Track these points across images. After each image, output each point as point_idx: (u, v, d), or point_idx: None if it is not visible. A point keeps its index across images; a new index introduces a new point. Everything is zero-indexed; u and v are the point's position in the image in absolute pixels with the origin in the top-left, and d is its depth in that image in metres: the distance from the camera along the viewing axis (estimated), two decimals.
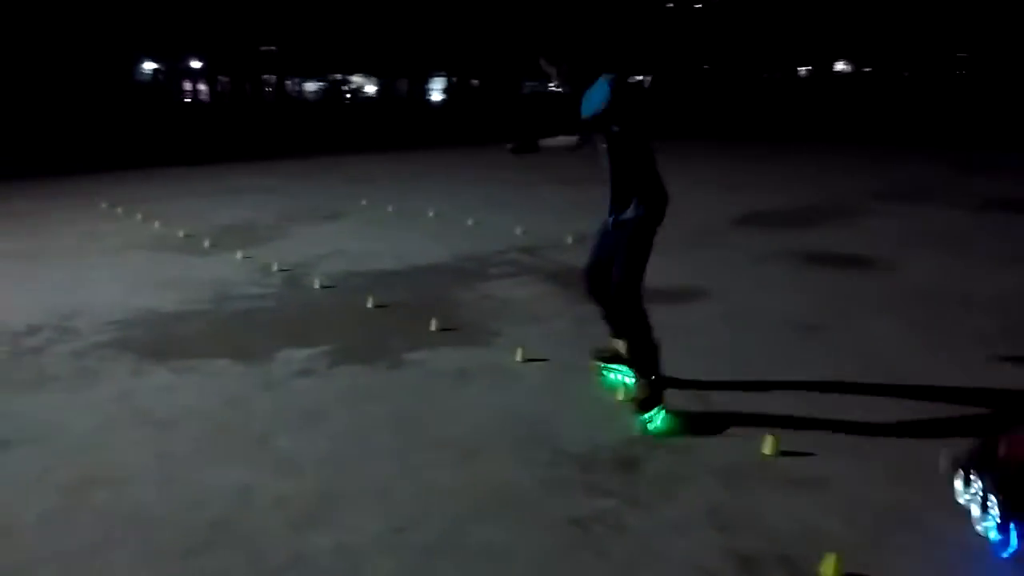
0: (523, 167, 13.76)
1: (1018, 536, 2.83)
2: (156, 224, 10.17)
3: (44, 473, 3.75)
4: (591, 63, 4.12)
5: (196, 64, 59.69)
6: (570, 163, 14.90)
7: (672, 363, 4.51)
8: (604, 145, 4.12)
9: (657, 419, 4.09)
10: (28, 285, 7.35)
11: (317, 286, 7.02)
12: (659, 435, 4.04)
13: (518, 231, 9.27)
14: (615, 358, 4.58)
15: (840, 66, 62.48)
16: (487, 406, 4.43)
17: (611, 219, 4.26)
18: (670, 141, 20.92)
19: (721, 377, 4.78)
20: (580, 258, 7.69)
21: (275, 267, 7.70)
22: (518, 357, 5.07)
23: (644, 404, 4.12)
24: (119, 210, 11.42)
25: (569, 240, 8.62)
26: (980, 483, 2.97)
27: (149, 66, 60.99)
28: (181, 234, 9.54)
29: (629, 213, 4.15)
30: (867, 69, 58.76)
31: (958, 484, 3.14)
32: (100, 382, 4.91)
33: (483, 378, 4.85)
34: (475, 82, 58.80)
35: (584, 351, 4.96)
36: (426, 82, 59.69)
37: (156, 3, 52.36)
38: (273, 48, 60.83)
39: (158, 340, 5.70)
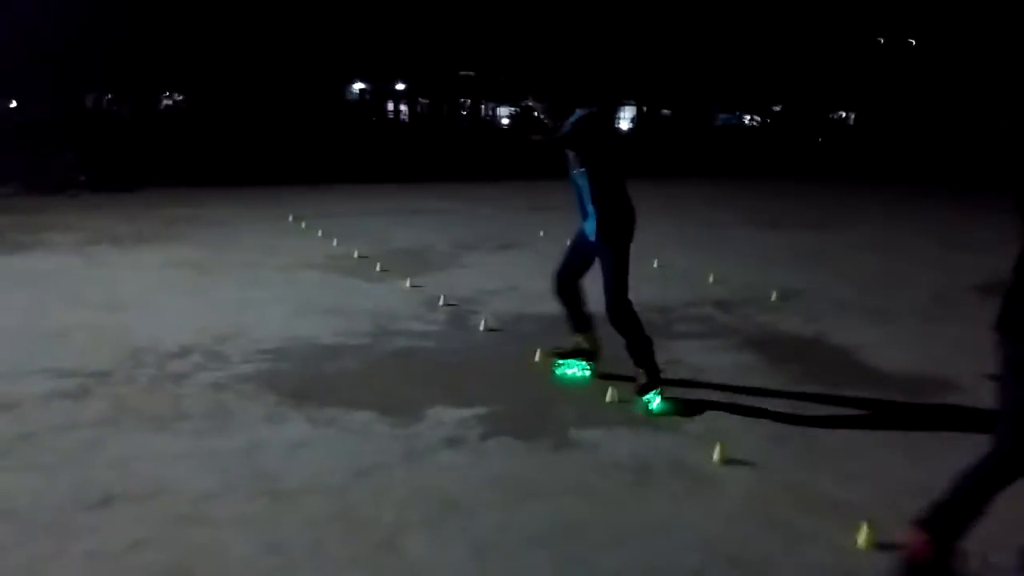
0: (712, 205, 12.54)
1: None
2: (334, 242, 9.84)
3: (132, 548, 3.10)
4: (569, 100, 4.57)
5: (400, 86, 62.11)
6: (765, 205, 13.36)
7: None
8: (574, 163, 4.62)
9: (654, 401, 4.66)
10: (195, 299, 7.06)
11: (482, 328, 6.22)
12: (658, 414, 4.59)
13: (710, 279, 8.10)
14: (574, 353, 5.17)
15: None
16: (674, 526, 3.37)
17: (582, 228, 4.83)
18: (873, 184, 18.95)
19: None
20: (788, 322, 6.63)
21: (441, 300, 6.99)
22: (716, 456, 3.97)
23: (644, 388, 4.70)
24: (303, 224, 11.27)
25: (773, 296, 7.36)
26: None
27: (358, 87, 64.13)
28: (355, 254, 9.11)
29: (595, 228, 4.66)
30: None
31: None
32: (231, 427, 4.30)
33: (670, 480, 3.80)
34: (666, 112, 57.34)
35: (805, 459, 3.80)
36: (616, 111, 58.94)
37: (369, 27, 54.96)
38: (471, 73, 62.25)
39: (304, 378, 5.07)
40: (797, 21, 51.06)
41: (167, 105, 58.55)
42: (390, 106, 63.39)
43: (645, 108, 57.00)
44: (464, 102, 60.64)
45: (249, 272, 8.26)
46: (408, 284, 7.64)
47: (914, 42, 57.56)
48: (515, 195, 15.45)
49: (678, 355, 5.66)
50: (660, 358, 4.88)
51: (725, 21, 50.16)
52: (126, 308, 6.74)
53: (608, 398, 4.74)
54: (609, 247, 4.65)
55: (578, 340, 5.14)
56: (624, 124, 59.76)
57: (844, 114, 58.10)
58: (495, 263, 8.98)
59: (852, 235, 11.33)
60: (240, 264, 8.63)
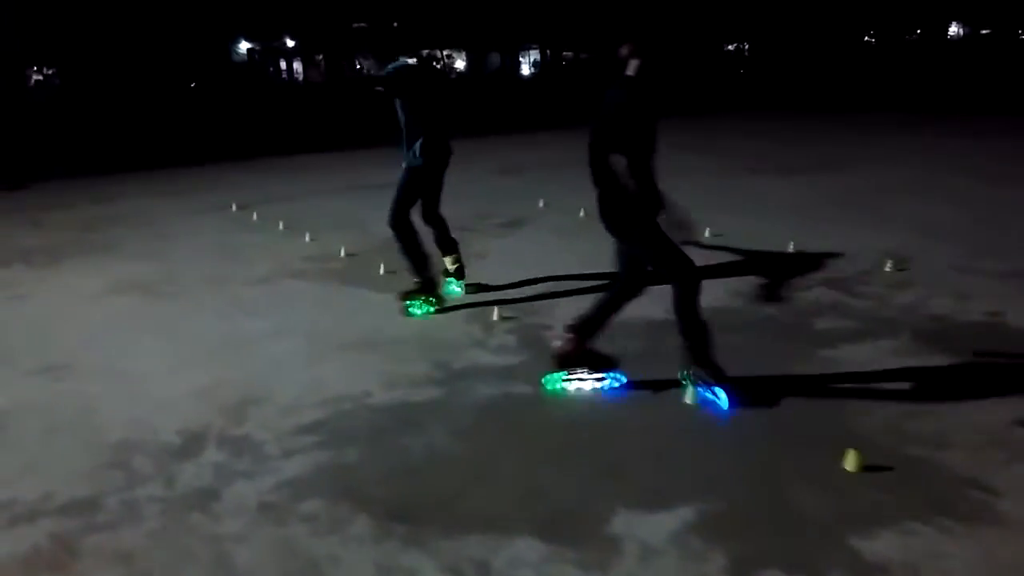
0: (693, 151, 11.09)
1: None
2: (306, 236, 7.96)
3: None
4: (386, 55, 5.43)
5: (290, 43, 58.06)
6: (750, 148, 11.99)
7: None
8: (397, 103, 5.38)
9: (417, 308, 5.52)
10: (168, 343, 5.18)
11: None
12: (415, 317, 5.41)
13: (791, 248, 6.71)
14: (419, 291, 5.57)
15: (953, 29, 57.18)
16: None
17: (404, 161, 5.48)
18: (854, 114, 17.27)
19: None
20: (938, 302, 5.01)
21: (495, 314, 5.33)
22: None
23: (408, 295, 5.56)
24: (254, 215, 9.27)
25: (887, 267, 6.01)
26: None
27: (243, 46, 59.70)
28: (341, 252, 7.29)
29: (410, 160, 5.42)
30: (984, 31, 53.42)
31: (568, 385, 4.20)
32: None
33: None
34: (567, 55, 55.62)
35: None
36: (517, 57, 56.82)
37: None
38: (364, 25, 58.86)
39: (391, 477, 3.40)
40: None
41: (37, 80, 52.99)
42: (282, 65, 59.28)
43: (548, 52, 55.08)
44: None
45: (221, 291, 6.37)
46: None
47: None
48: (475, 156, 13.64)
49: (842, 363, 4.23)
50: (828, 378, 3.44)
51: None
52: (75, 369, 4.82)
53: (849, 465, 3.27)
54: (409, 168, 5.45)
55: (445, 262, 5.89)
56: (525, 69, 57.79)
57: (735, 47, 57.79)
58: (513, 248, 7.33)
59: (872, 177, 10.11)
60: (204, 280, 6.70)
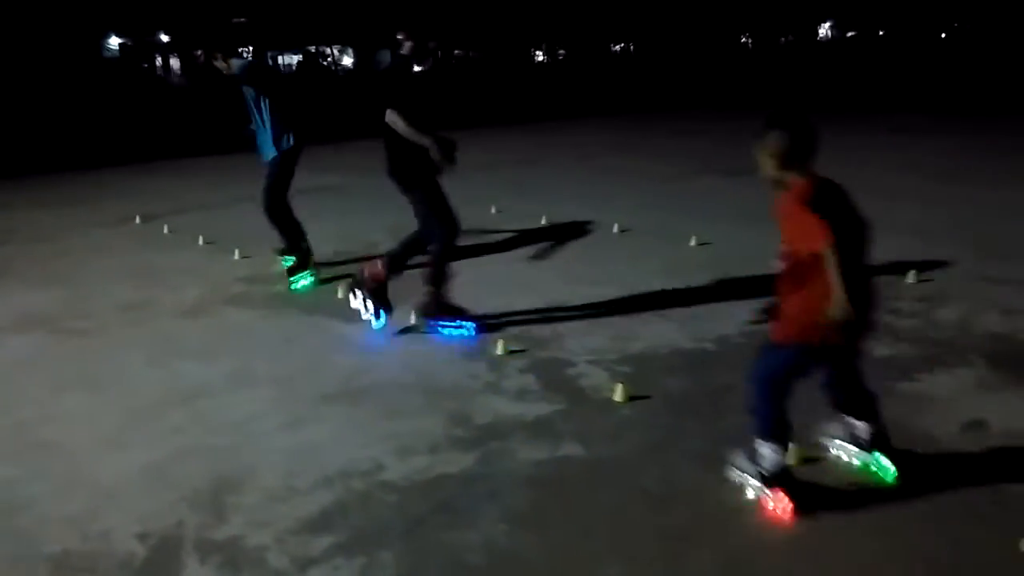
0: (636, 153, 10.51)
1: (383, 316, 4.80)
2: (235, 253, 6.83)
3: None
4: (230, 53, 5.79)
5: (165, 38, 54.54)
6: (690, 147, 11.52)
7: None
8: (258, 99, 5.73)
9: (300, 282, 5.89)
10: (94, 402, 4.08)
11: (619, 397, 3.83)
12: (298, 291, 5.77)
13: None
14: (300, 267, 5.95)
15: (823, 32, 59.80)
16: None
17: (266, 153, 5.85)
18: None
19: None
20: (984, 318, 4.52)
21: (500, 347, 4.48)
22: None
23: (292, 271, 5.90)
24: (164, 228, 8.01)
25: (910, 278, 5.49)
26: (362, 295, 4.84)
27: (114, 41, 55.68)
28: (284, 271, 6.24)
29: (284, 145, 5.79)
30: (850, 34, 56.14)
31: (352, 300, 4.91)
32: None
33: None
34: (458, 53, 54.68)
35: None
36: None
37: None
38: (243, 20, 56.04)
39: None
40: None
41: None
42: (158, 61, 55.56)
43: (439, 52, 54.02)
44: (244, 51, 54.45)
45: (145, 325, 5.23)
46: (413, 319, 5.02)
47: None
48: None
49: (935, 401, 3.65)
50: (952, 428, 2.85)
51: None
52: None
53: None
54: (282, 153, 5.79)
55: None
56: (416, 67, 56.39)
57: (621, 47, 58.56)
58: (489, 262, 6.47)
59: (841, 177, 9.75)
60: (121, 310, 5.53)
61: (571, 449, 3.39)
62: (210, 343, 4.86)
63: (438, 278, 4.73)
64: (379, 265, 4.85)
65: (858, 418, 2.98)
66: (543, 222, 7.63)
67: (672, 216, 7.68)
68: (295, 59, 55.45)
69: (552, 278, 5.84)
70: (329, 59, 55.30)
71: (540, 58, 57.51)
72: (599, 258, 6.39)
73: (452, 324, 4.74)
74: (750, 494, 2.93)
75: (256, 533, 2.89)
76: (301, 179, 6.25)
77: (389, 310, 4.87)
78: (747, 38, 58.24)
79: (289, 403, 3.97)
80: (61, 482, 3.30)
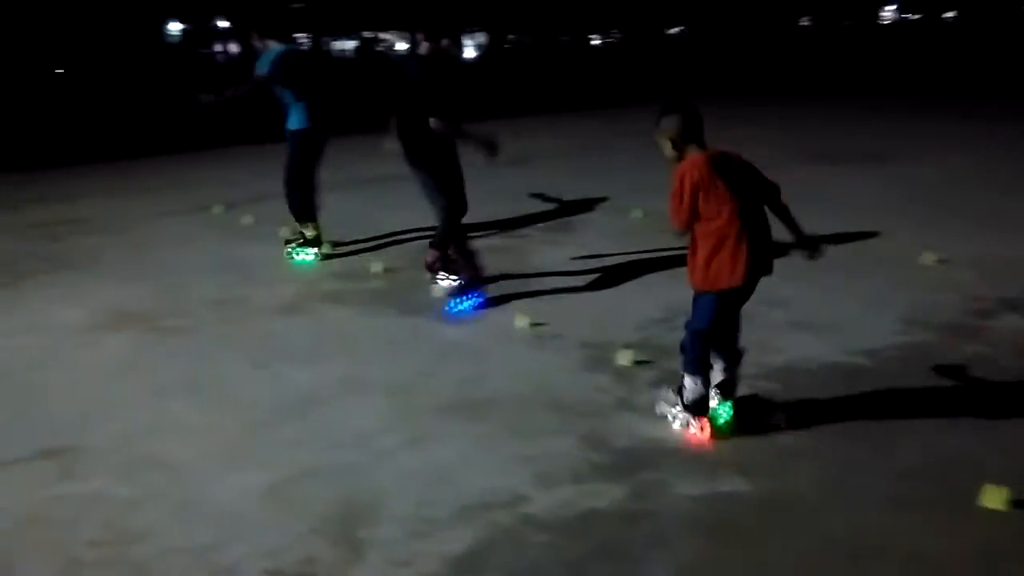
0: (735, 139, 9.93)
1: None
2: (326, 246, 6.57)
3: None
4: (267, 33, 6.11)
5: (224, 24, 54.94)
6: (800, 137, 10.91)
7: None
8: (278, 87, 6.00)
9: (301, 255, 6.24)
10: (199, 411, 3.83)
11: (777, 422, 3.44)
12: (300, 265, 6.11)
13: (931, 258, 5.63)
14: (304, 242, 6.28)
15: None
16: None
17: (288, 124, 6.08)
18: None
19: None
20: None
21: (625, 358, 4.12)
22: None
23: (305, 244, 6.25)
24: (247, 219, 7.79)
25: None
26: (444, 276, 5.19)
27: (175, 27, 56.34)
28: (380, 268, 5.96)
29: (292, 124, 6.05)
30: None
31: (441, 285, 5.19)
32: None
33: None
34: (511, 39, 54.03)
35: None
36: (459, 38, 54.95)
37: None
38: (301, 5, 56.24)
39: None
40: None
41: None
42: (218, 47, 56.02)
43: (491, 36, 53.38)
44: (297, 38, 54.68)
45: (244, 324, 4.99)
46: (526, 323, 4.68)
47: None
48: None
49: None
50: None
51: None
52: (82, 456, 3.43)
53: None
54: (304, 134, 6.05)
55: (306, 228, 6.24)
56: (469, 52, 55.97)
57: (677, 30, 57.28)
58: (585, 264, 6.08)
59: (938, 166, 9.13)
60: (216, 308, 5.30)
61: (733, 483, 3.02)
62: (313, 345, 4.59)
63: (442, 244, 5.23)
64: (433, 252, 5.31)
65: (726, 362, 3.41)
66: (639, 215, 7.23)
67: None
68: (350, 45, 55.49)
69: (667, 280, 5.43)
70: (384, 45, 55.15)
71: (596, 42, 56.58)
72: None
73: (461, 298, 5.05)
74: (676, 424, 3.37)
75: (398, 574, 2.58)
76: (372, 169, 5.94)
77: (475, 269, 5.26)
78: (807, 21, 56.52)
79: (406, 415, 3.67)
80: (178, 505, 3.04)
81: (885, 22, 57.50)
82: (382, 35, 55.31)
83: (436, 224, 5.29)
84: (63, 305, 5.48)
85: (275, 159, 7.91)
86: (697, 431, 3.31)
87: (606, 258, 6.05)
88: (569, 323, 4.70)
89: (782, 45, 40.28)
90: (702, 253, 3.20)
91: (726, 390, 3.43)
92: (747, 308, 3.39)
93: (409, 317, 4.98)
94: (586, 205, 7.82)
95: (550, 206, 7.81)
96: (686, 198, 3.15)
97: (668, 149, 3.30)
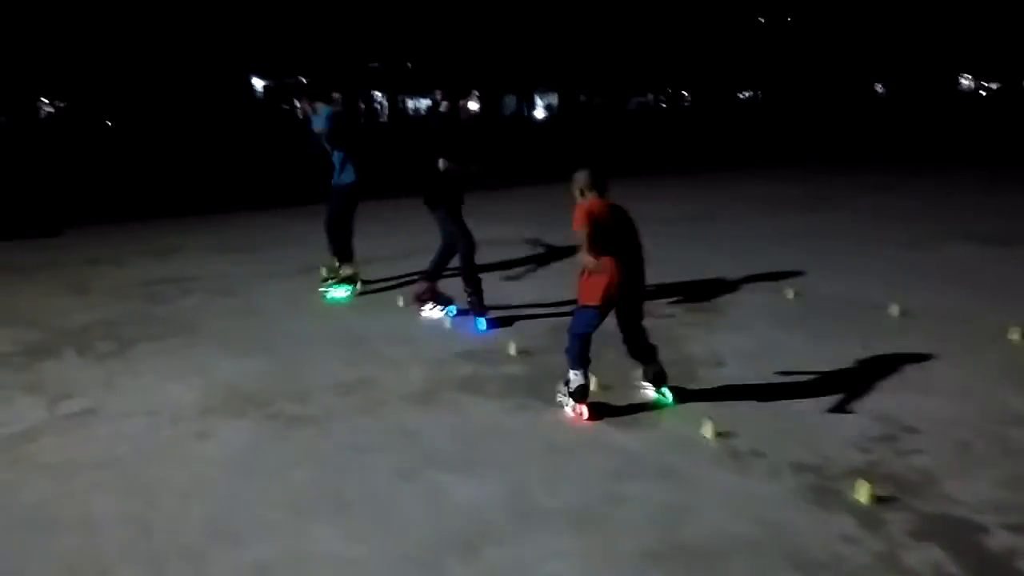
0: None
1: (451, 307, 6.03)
2: (444, 319, 5.91)
3: None
4: (318, 100, 6.94)
5: (303, 80, 56.37)
6: (947, 213, 9.92)
7: None
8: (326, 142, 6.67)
9: (335, 292, 6.73)
10: (349, 536, 3.11)
11: None
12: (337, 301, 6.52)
13: None
14: (341, 280, 6.82)
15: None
16: None
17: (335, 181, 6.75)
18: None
19: None
20: None
21: (862, 491, 3.28)
22: None
23: (342, 282, 6.75)
24: (357, 285, 7.20)
25: None
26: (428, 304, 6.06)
27: (258, 83, 57.99)
28: (511, 349, 5.23)
29: (344, 179, 6.69)
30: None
31: (426, 311, 6.04)
32: None
33: None
34: (582, 98, 54.07)
35: None
36: (532, 98, 55.27)
37: (265, 23, 49.23)
38: (377, 65, 57.46)
39: None
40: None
41: (48, 113, 50.92)
42: (297, 103, 57.42)
43: (561, 95, 53.47)
44: (374, 95, 55.57)
45: (378, 415, 4.29)
46: (712, 433, 3.88)
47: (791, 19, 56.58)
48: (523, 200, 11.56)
49: None
50: None
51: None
52: None
53: None
54: (351, 188, 6.71)
55: (345, 268, 6.86)
56: (539, 112, 56.22)
57: (749, 93, 56.71)
58: (754, 354, 5.27)
59: None
60: (344, 392, 4.63)
61: None
62: (464, 448, 3.86)
63: (472, 281, 5.90)
64: (423, 284, 6.15)
65: (644, 363, 4.30)
66: (789, 296, 6.40)
67: (957, 295, 6.31)
68: (424, 103, 56.22)
69: (866, 380, 4.57)
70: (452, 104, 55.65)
71: (663, 105, 56.29)
72: (896, 352, 5.09)
73: (480, 315, 5.83)
74: (567, 408, 4.14)
75: None
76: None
77: (451, 300, 6.10)
78: (880, 87, 55.37)
79: (607, 562, 2.89)
80: None
81: (963, 89, 55.95)
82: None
83: (434, 261, 6.11)
84: (173, 380, 4.89)
85: (366, 218, 7.45)
86: (577, 414, 4.12)
87: (778, 348, 5.22)
88: (765, 436, 3.88)
89: (861, 111, 39.26)
90: (586, 275, 4.06)
91: (658, 380, 4.30)
92: None
93: (563, 413, 4.22)
94: (721, 280, 7.03)
95: (680, 279, 7.03)
96: (585, 221, 3.94)
97: (578, 196, 4.15)
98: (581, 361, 4.11)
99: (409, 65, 55.26)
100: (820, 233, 9.23)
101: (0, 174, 17.91)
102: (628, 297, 4.10)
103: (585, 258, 3.94)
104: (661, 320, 5.87)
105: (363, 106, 55.55)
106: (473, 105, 58.90)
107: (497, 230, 9.24)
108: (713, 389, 4.52)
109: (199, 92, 48.16)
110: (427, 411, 4.33)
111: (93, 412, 4.44)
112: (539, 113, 55.95)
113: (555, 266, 7.84)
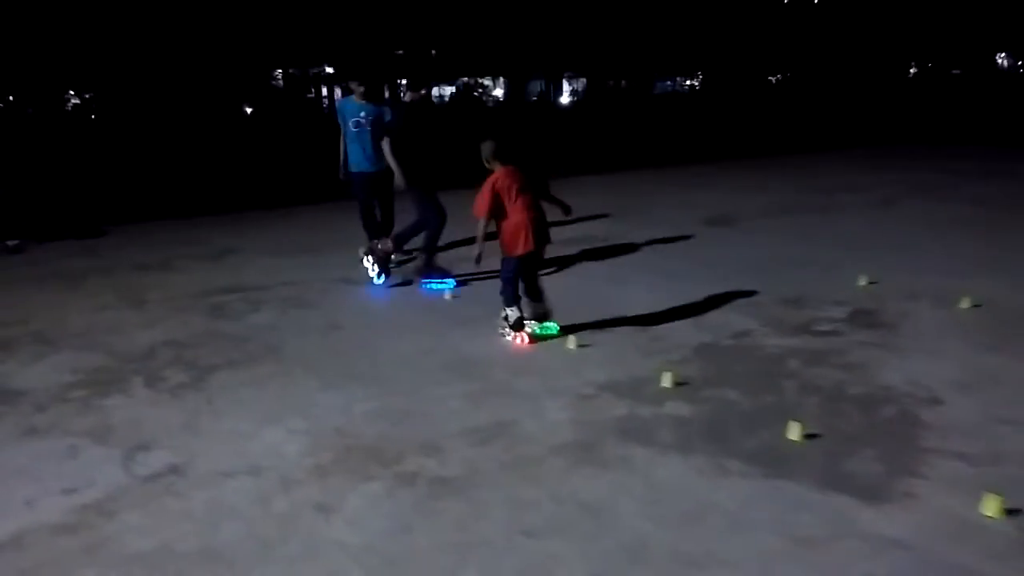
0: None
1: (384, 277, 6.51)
2: (570, 340, 4.99)
3: None
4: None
5: (329, 70, 55.39)
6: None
7: None
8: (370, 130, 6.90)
9: (375, 274, 6.61)
10: None
11: None
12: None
13: None
14: (381, 261, 6.66)
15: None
16: None
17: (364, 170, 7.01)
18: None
19: None
20: None
21: None
22: None
23: (380, 263, 6.57)
24: (446, 295, 6.28)
25: None
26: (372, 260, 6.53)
27: (279, 73, 57.08)
28: (669, 382, 4.29)
29: (383, 164, 6.72)
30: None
31: (365, 263, 6.59)
32: None
33: None
34: (610, 83, 52.71)
35: None
36: (559, 84, 54.00)
37: (289, 12, 48.28)
38: (402, 52, 56.44)
39: None
40: None
41: (75, 105, 50.26)
42: (323, 91, 56.44)
43: (584, 81, 52.17)
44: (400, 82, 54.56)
45: (532, 476, 3.39)
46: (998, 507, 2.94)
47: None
48: (642, 197, 10.58)
49: None
50: None
51: None
52: None
53: None
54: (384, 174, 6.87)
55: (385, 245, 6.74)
56: (564, 98, 54.97)
57: (777, 77, 55.16)
58: (969, 385, 4.31)
59: None
60: (480, 441, 3.72)
61: None
62: (672, 534, 2.93)
63: (430, 249, 6.45)
64: (389, 243, 6.62)
65: (533, 300, 5.16)
66: (964, 305, 5.42)
67: None
68: (448, 90, 55.29)
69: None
70: (480, 91, 54.65)
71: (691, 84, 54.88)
72: None
73: (438, 280, 6.35)
74: (508, 337, 5.03)
75: None
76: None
77: (388, 274, 6.57)
78: (914, 70, 53.63)
79: None
80: None
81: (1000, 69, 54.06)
82: (481, 80, 54.76)
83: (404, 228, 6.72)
84: (268, 423, 4.00)
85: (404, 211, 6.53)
86: (520, 341, 4.97)
87: (994, 376, 4.25)
88: None
89: (904, 93, 37.79)
90: (507, 232, 4.90)
91: (542, 317, 5.15)
92: None
93: (768, 471, 3.29)
94: (865, 283, 6.04)
95: (826, 285, 6.06)
96: (487, 195, 4.85)
97: (486, 163, 4.97)
98: (514, 299, 5.01)
99: (433, 52, 54.19)
100: (934, 225, 8.19)
101: (34, 169, 17.13)
102: (536, 246, 4.94)
103: (478, 242, 4.96)
104: (827, 338, 4.91)
105: (387, 93, 54.75)
106: (565, 97, 56.88)
107: (573, 229, 8.32)
108: (948, 435, 3.57)
109: (222, 82, 47.39)
110: (596, 473, 3.41)
111: (180, 471, 3.55)
112: (564, 98, 54.71)
113: (656, 263, 6.89)
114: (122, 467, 3.63)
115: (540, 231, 4.94)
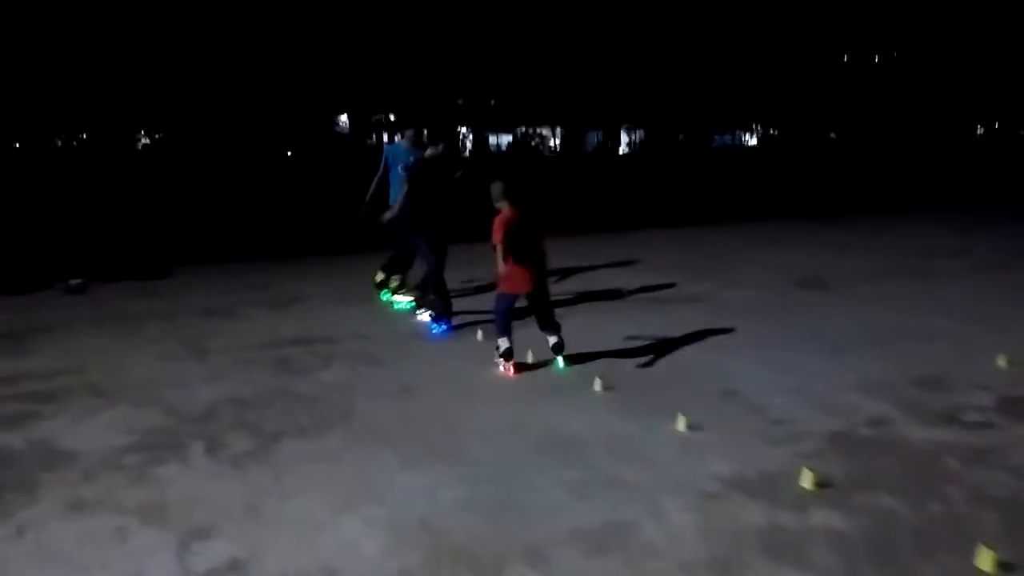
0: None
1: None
2: (679, 421, 4.35)
3: None
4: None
5: (392, 117, 56.23)
6: None
7: None
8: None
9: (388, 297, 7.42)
10: None
11: None
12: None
13: None
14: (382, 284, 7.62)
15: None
16: None
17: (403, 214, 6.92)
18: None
19: None
20: None
21: None
22: None
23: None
24: (528, 355, 5.70)
25: None
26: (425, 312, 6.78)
27: (345, 119, 58.18)
28: (810, 482, 3.62)
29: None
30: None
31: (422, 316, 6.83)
32: None
33: None
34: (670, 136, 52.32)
35: None
36: (617, 133, 53.79)
37: (355, 60, 49.25)
38: (462, 101, 57.08)
39: None
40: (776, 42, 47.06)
41: (144, 145, 51.73)
42: (384, 138, 57.31)
43: (641, 133, 51.86)
44: (460, 131, 54.89)
45: None
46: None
47: (878, 58, 53.87)
48: (725, 252, 9.93)
49: None
50: None
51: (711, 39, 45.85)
52: None
53: None
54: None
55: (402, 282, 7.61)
56: (622, 148, 54.69)
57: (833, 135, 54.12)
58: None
59: None
60: (595, 549, 3.09)
61: None
62: None
63: (438, 291, 6.50)
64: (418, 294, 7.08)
65: (549, 333, 5.37)
66: (1002, 364, 4.67)
67: None
68: (506, 139, 55.57)
69: None
70: (536, 140, 54.78)
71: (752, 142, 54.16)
72: None
73: (439, 323, 6.48)
74: (500, 367, 5.28)
75: None
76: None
77: (447, 321, 6.55)
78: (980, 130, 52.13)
79: None
80: None
81: None
82: (539, 130, 54.92)
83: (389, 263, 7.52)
84: (343, 510, 3.44)
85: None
86: (506, 371, 5.27)
87: None
88: None
89: (968, 153, 36.53)
90: (507, 270, 5.20)
91: (557, 349, 5.36)
92: None
93: None
94: (1013, 367, 5.28)
95: (960, 364, 5.32)
96: (500, 229, 5.15)
97: (495, 203, 5.28)
98: (506, 330, 5.28)
99: (492, 102, 54.63)
100: (983, 290, 7.35)
101: (101, 206, 17.25)
102: (536, 285, 5.27)
103: (500, 266, 5.16)
104: (981, 432, 4.18)
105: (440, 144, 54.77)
106: (623, 148, 56.36)
107: (651, 284, 7.71)
108: None
109: (287, 128, 48.36)
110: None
111: (242, 568, 3.01)
112: (622, 149, 54.47)
113: (754, 329, 6.21)
114: (176, 557, 3.10)
115: (537, 269, 5.27)
